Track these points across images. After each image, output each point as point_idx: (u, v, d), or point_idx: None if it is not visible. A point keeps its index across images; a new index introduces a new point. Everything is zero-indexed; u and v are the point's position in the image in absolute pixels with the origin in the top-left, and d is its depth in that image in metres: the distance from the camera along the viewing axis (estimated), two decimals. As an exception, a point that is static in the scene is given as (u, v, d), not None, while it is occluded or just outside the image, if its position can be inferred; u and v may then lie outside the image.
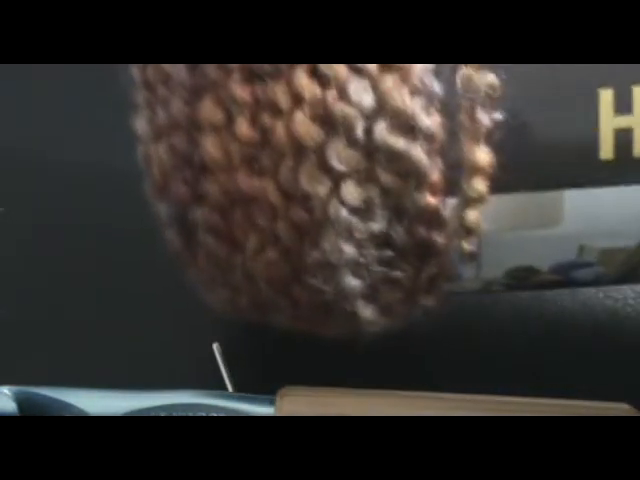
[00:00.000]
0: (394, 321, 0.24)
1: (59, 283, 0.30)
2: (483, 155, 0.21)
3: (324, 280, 0.22)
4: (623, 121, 0.22)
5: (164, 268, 0.30)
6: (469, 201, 0.22)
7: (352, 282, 0.22)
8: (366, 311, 0.23)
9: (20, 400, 0.25)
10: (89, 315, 0.29)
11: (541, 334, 0.29)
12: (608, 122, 0.22)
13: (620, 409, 0.24)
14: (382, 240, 0.22)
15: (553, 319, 0.30)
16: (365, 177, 0.21)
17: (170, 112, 0.23)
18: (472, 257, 0.23)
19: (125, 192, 0.30)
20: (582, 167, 0.22)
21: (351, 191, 0.21)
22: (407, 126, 0.21)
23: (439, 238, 0.22)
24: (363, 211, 0.21)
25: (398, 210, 0.21)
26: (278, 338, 0.28)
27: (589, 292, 0.30)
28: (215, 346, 0.27)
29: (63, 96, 0.34)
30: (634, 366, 0.28)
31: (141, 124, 0.24)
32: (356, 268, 0.22)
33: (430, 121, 0.21)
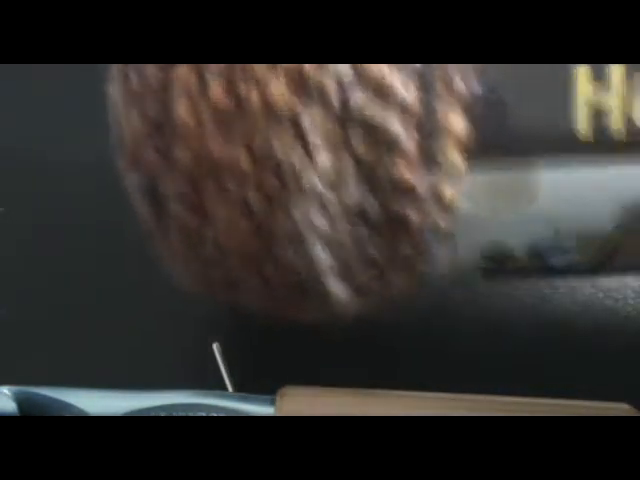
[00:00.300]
0: (368, 303, 0.23)
1: (59, 283, 0.30)
2: (459, 125, 0.21)
3: (295, 253, 0.22)
4: (601, 100, 0.22)
5: (165, 270, 0.31)
6: (445, 175, 0.21)
7: (323, 256, 0.22)
8: (339, 290, 0.22)
9: (20, 400, 0.25)
10: (89, 315, 0.29)
11: (540, 334, 0.29)
12: (586, 101, 0.22)
13: (620, 409, 0.24)
14: (356, 214, 0.21)
15: (552, 319, 0.30)
16: (340, 147, 0.21)
17: (143, 77, 0.22)
18: (447, 236, 0.22)
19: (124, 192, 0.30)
20: (559, 147, 0.22)
21: (325, 161, 0.21)
22: (384, 97, 0.21)
23: (414, 214, 0.21)
24: (337, 182, 0.21)
25: (373, 183, 0.21)
26: (278, 337, 0.28)
27: (588, 291, 0.30)
28: (215, 346, 0.28)
29: (63, 96, 0.35)
30: (634, 366, 0.28)
31: (114, 90, 0.24)
32: (328, 242, 0.22)
33: (407, 92, 0.21)
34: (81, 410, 0.24)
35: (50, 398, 0.25)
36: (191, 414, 0.24)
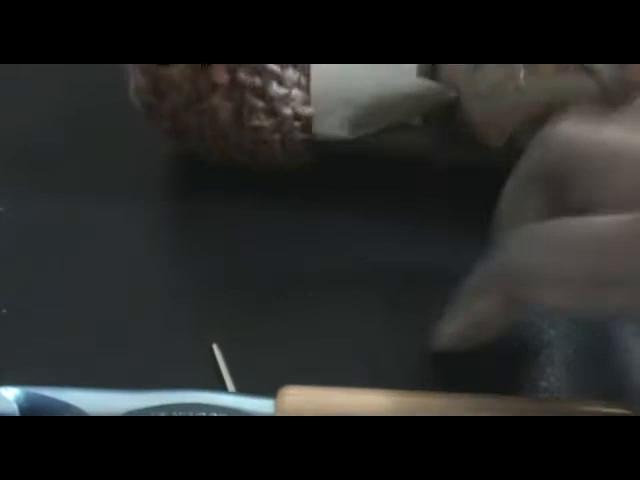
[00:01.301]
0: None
1: (61, 283, 0.30)
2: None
3: None
4: None
5: (164, 270, 0.31)
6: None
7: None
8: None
9: (20, 401, 0.25)
10: (91, 316, 0.29)
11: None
12: None
13: (619, 409, 0.24)
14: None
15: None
16: None
17: None
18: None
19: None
20: None
21: None
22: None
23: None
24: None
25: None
26: (277, 338, 0.28)
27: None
28: (215, 346, 0.28)
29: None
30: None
31: None
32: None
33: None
34: (81, 410, 0.24)
35: (50, 398, 0.25)
36: (191, 414, 0.24)
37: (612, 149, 0.23)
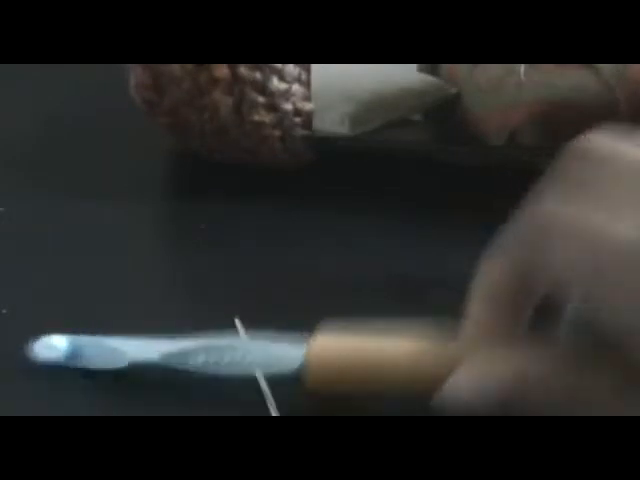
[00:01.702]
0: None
1: (61, 283, 0.30)
2: None
3: None
4: None
5: (165, 269, 0.31)
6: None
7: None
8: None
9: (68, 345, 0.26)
10: (91, 315, 0.29)
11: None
12: None
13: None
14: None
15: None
16: None
17: None
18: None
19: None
20: None
21: None
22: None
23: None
24: None
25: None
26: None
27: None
28: (237, 320, 0.28)
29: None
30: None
31: None
32: None
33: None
34: (122, 351, 0.26)
35: (94, 341, 0.26)
36: (227, 356, 0.25)
37: (590, 236, 0.22)
